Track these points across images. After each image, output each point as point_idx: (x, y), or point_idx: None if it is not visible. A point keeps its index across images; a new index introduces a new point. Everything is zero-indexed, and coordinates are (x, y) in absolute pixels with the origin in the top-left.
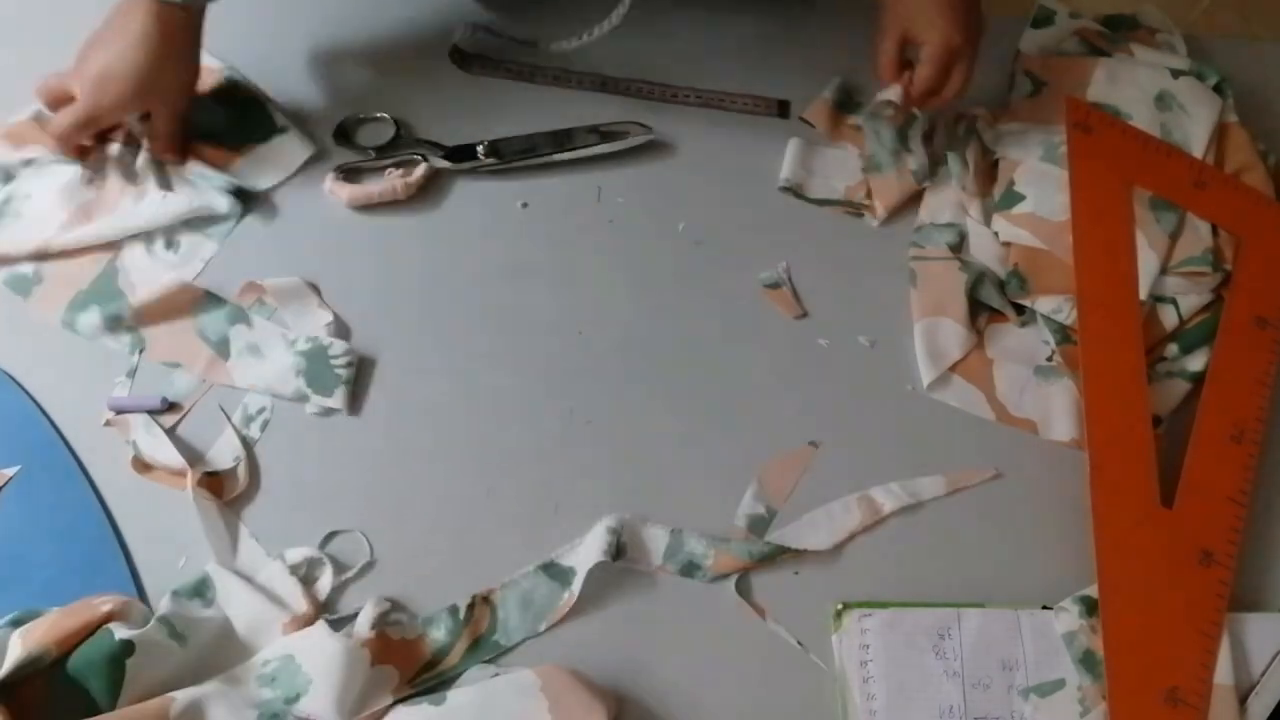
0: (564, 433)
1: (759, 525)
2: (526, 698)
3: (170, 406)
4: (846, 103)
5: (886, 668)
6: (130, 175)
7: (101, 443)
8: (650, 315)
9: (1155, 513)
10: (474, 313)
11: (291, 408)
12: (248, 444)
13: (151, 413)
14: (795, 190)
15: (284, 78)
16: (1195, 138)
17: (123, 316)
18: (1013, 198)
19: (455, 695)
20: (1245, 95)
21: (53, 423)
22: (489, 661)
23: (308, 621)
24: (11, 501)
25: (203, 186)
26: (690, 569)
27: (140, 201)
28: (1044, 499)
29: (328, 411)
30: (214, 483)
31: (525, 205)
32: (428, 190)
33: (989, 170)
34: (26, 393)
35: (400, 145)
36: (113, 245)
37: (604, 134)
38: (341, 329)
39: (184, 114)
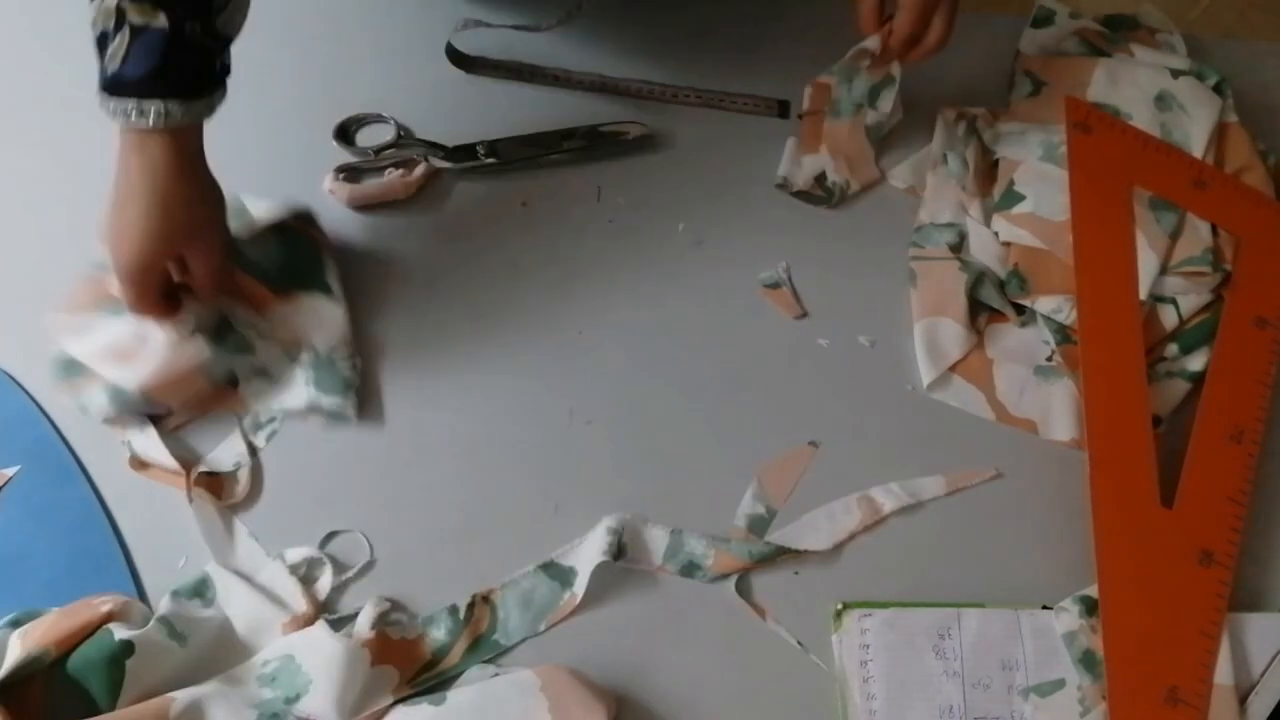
0: (564, 433)
1: (759, 525)
2: (526, 698)
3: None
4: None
5: (886, 668)
6: (180, 325)
7: (101, 443)
8: (650, 315)
9: (1155, 513)
10: (474, 313)
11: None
12: (254, 450)
13: (154, 416)
14: (786, 186)
15: (284, 78)
16: (1195, 138)
17: (130, 397)
18: (1013, 198)
19: (455, 695)
20: (1245, 95)
21: (53, 423)
22: (489, 661)
23: (308, 621)
24: (11, 501)
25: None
26: (690, 569)
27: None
28: (1044, 499)
29: (339, 417)
30: (213, 483)
31: (525, 205)
32: (428, 190)
33: (989, 170)
34: (26, 393)
35: (400, 145)
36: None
37: (604, 134)
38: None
39: (223, 248)
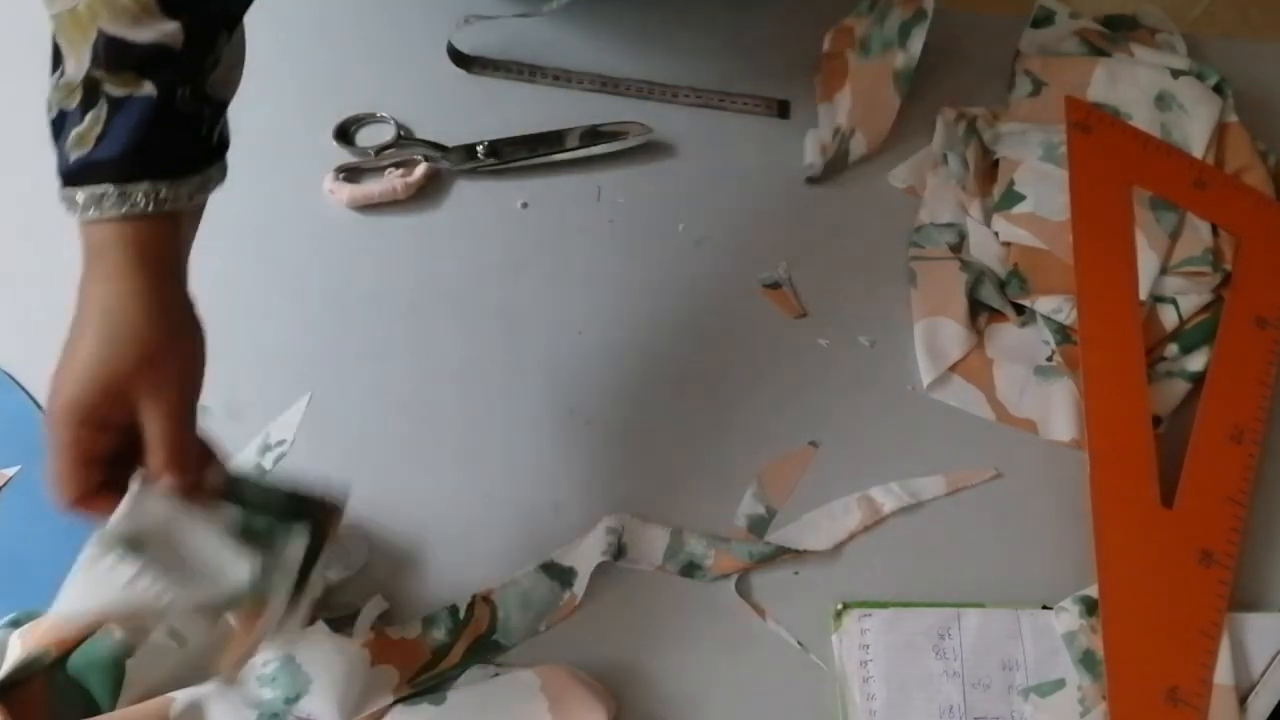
0: (564, 433)
1: (759, 525)
2: (527, 698)
3: None
4: None
5: (886, 668)
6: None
7: None
8: (650, 315)
9: (1155, 513)
10: (474, 313)
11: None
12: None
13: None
14: (817, 177)
15: (284, 78)
16: (1195, 138)
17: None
18: (1013, 198)
19: (455, 695)
20: (1245, 95)
21: None
22: (489, 661)
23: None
24: (11, 501)
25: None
26: (690, 569)
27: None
28: (1044, 499)
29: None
30: None
31: (525, 205)
32: (428, 190)
33: (989, 170)
34: (26, 393)
35: (400, 145)
36: None
37: (604, 134)
38: (342, 329)
39: (188, 407)
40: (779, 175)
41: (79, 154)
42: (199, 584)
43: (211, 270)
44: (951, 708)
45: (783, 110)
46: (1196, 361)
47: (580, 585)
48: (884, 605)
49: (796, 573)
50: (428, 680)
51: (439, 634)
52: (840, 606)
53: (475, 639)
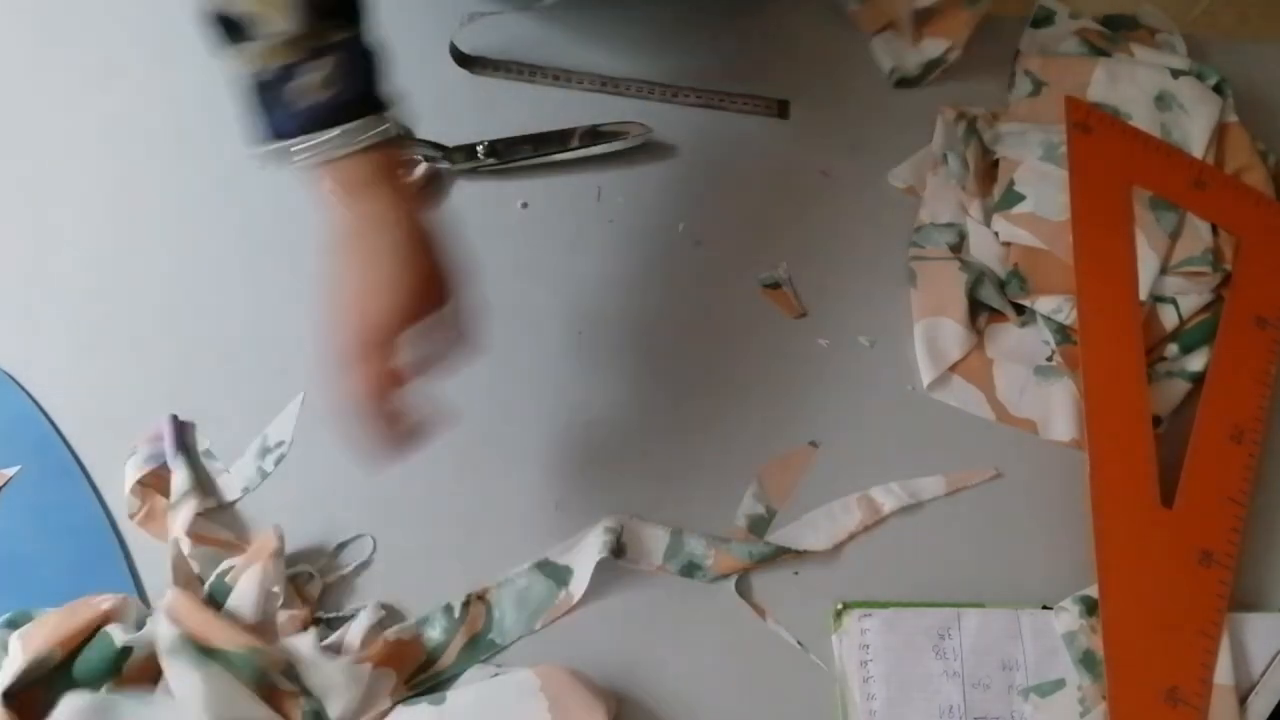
0: (564, 433)
1: (759, 525)
2: (526, 698)
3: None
4: None
5: (886, 668)
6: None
7: (101, 443)
8: (650, 315)
9: (1155, 513)
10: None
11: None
12: (263, 475)
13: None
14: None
15: None
16: (1195, 138)
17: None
18: (1013, 198)
19: (455, 695)
20: (1245, 95)
21: (53, 423)
22: (488, 661)
23: (305, 621)
24: (11, 501)
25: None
26: (690, 569)
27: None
28: (1044, 499)
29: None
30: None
31: (525, 205)
32: (428, 190)
33: (989, 170)
34: (27, 393)
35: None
36: None
37: (604, 134)
38: None
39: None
40: (779, 175)
41: (317, 99)
42: None
43: (211, 270)
44: (951, 708)
45: (783, 110)
46: (1196, 361)
47: (578, 585)
48: (884, 605)
49: (796, 573)
50: (425, 681)
51: (434, 633)
52: (840, 606)
53: (471, 638)
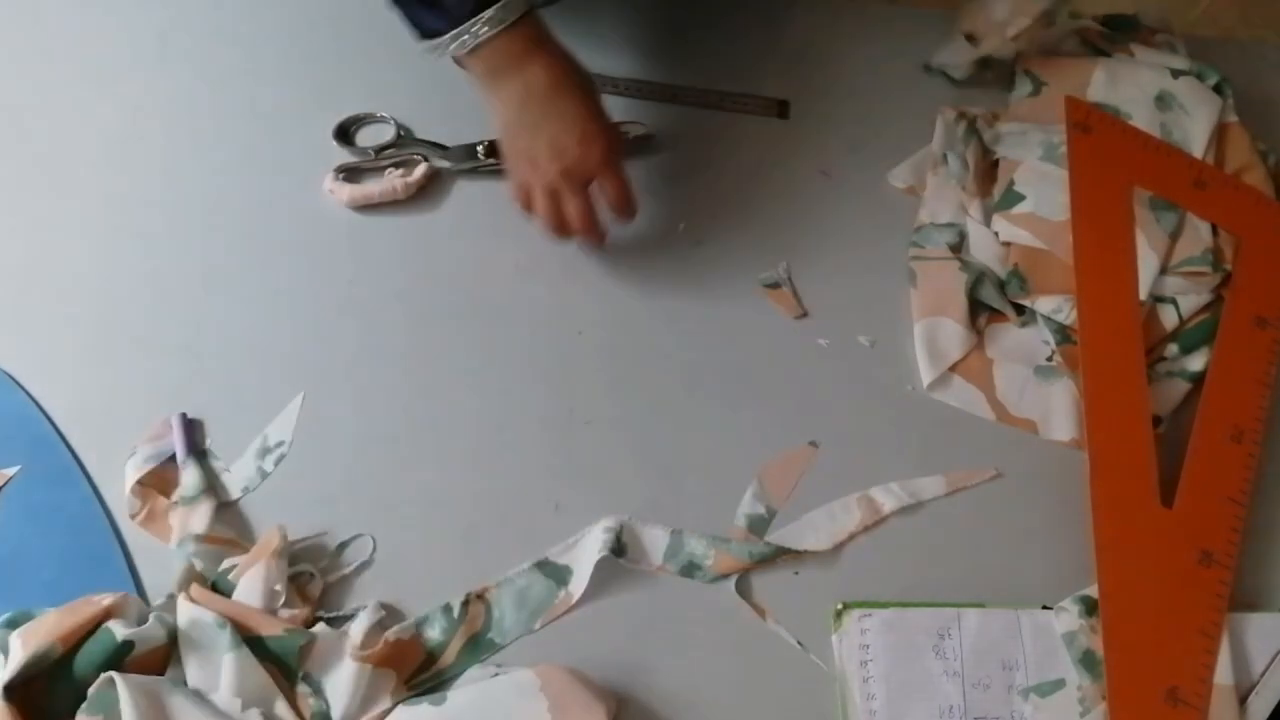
0: (564, 433)
1: (759, 525)
2: (526, 698)
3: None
4: None
5: (886, 668)
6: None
7: (101, 443)
8: (650, 315)
9: (1155, 513)
10: (474, 313)
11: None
12: (263, 475)
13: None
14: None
15: (284, 78)
16: (1195, 138)
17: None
18: (1013, 198)
19: (455, 695)
20: (1245, 95)
21: (53, 423)
22: (489, 661)
23: (306, 620)
24: (11, 501)
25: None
26: (690, 569)
27: None
28: (1044, 499)
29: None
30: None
31: None
32: (428, 190)
33: (989, 170)
34: (26, 393)
35: (400, 145)
36: None
37: None
38: (342, 329)
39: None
40: (779, 175)
41: None
42: None
43: (210, 269)
44: (951, 708)
45: (783, 110)
46: (1196, 361)
47: (577, 584)
48: (884, 605)
49: (796, 573)
50: (425, 681)
51: (434, 633)
52: (840, 606)
53: (470, 637)
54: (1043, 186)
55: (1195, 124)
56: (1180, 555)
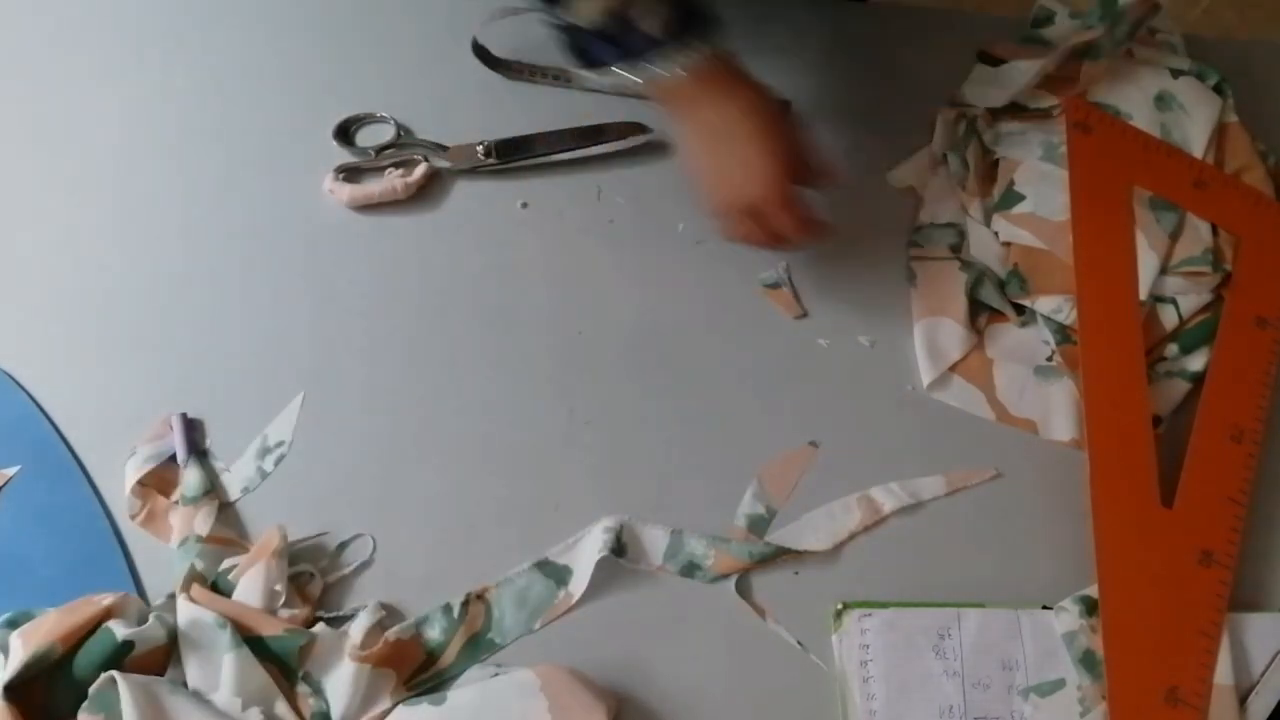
0: (564, 433)
1: (759, 525)
2: (526, 697)
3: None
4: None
5: (886, 668)
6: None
7: (101, 443)
8: (650, 315)
9: (1155, 513)
10: (474, 313)
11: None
12: (263, 475)
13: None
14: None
15: (284, 78)
16: (1195, 138)
17: None
18: (1013, 198)
19: (455, 695)
20: (1245, 95)
21: (53, 423)
22: (489, 661)
23: (306, 620)
24: (11, 501)
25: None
26: (690, 569)
27: None
28: (1044, 499)
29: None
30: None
31: (525, 205)
32: (428, 190)
33: (989, 170)
34: (26, 393)
35: (400, 145)
36: None
37: (604, 134)
38: (342, 329)
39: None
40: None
41: (668, 28)
42: None
43: (211, 269)
44: (951, 708)
45: (783, 110)
46: (1196, 361)
47: (578, 584)
48: (884, 605)
49: (796, 573)
50: (425, 681)
51: (434, 633)
52: (840, 606)
53: (470, 637)
54: (1043, 186)
55: (1195, 124)
56: (1180, 555)
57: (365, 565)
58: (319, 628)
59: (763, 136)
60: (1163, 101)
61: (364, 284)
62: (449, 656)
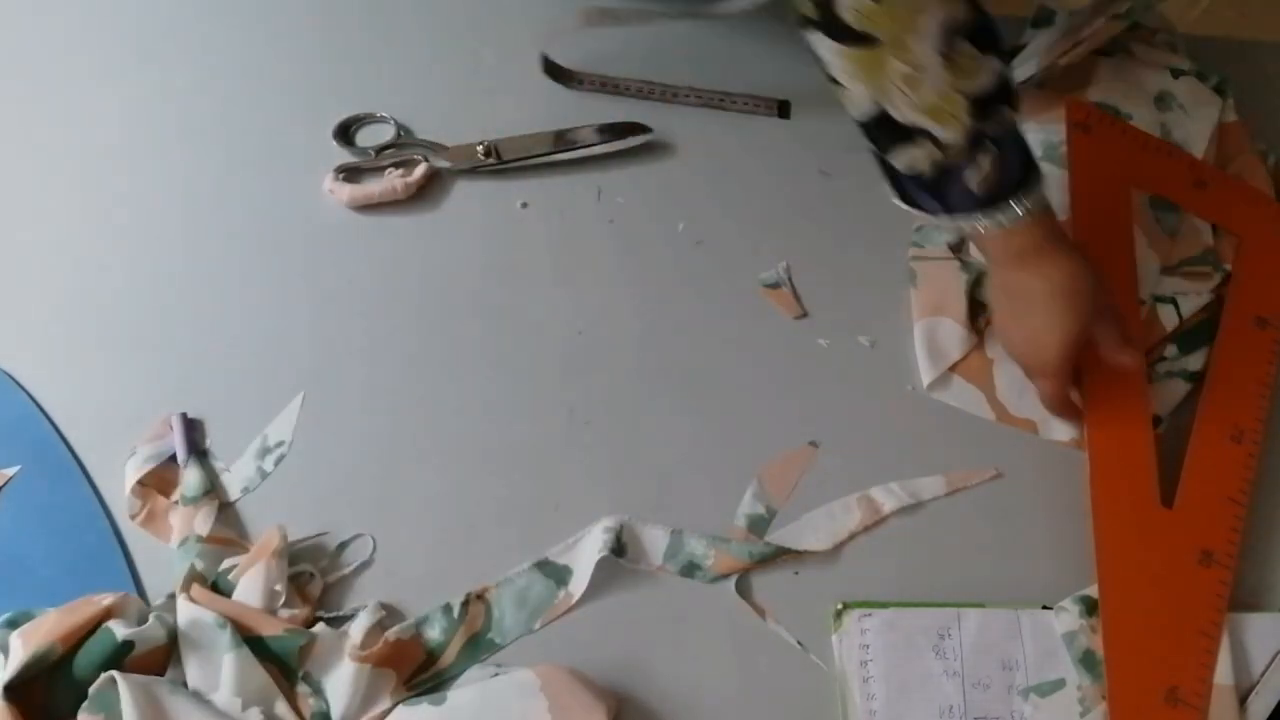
0: (564, 433)
1: (759, 525)
2: (526, 697)
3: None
4: None
5: (886, 668)
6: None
7: (101, 443)
8: (650, 315)
9: (1155, 513)
10: (474, 313)
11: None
12: (263, 475)
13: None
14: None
15: (284, 78)
16: (1195, 138)
17: None
18: None
19: (455, 695)
20: (1245, 95)
21: (53, 423)
22: (489, 661)
23: (306, 620)
24: (11, 501)
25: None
26: (690, 569)
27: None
28: (1044, 499)
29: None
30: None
31: (525, 205)
32: (428, 190)
33: None
34: (26, 393)
35: (400, 145)
36: None
37: (604, 134)
38: (342, 329)
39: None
40: (779, 175)
41: (988, 188)
42: None
43: (211, 269)
44: (951, 708)
45: (783, 110)
46: (1196, 361)
47: (578, 584)
48: (884, 605)
49: (796, 573)
50: (425, 681)
51: (433, 633)
52: (840, 606)
53: (470, 637)
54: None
55: (1195, 124)
56: (1180, 555)
57: (365, 565)
58: (319, 628)
59: (1062, 317)
60: (1163, 101)
61: (364, 284)
62: (449, 656)
